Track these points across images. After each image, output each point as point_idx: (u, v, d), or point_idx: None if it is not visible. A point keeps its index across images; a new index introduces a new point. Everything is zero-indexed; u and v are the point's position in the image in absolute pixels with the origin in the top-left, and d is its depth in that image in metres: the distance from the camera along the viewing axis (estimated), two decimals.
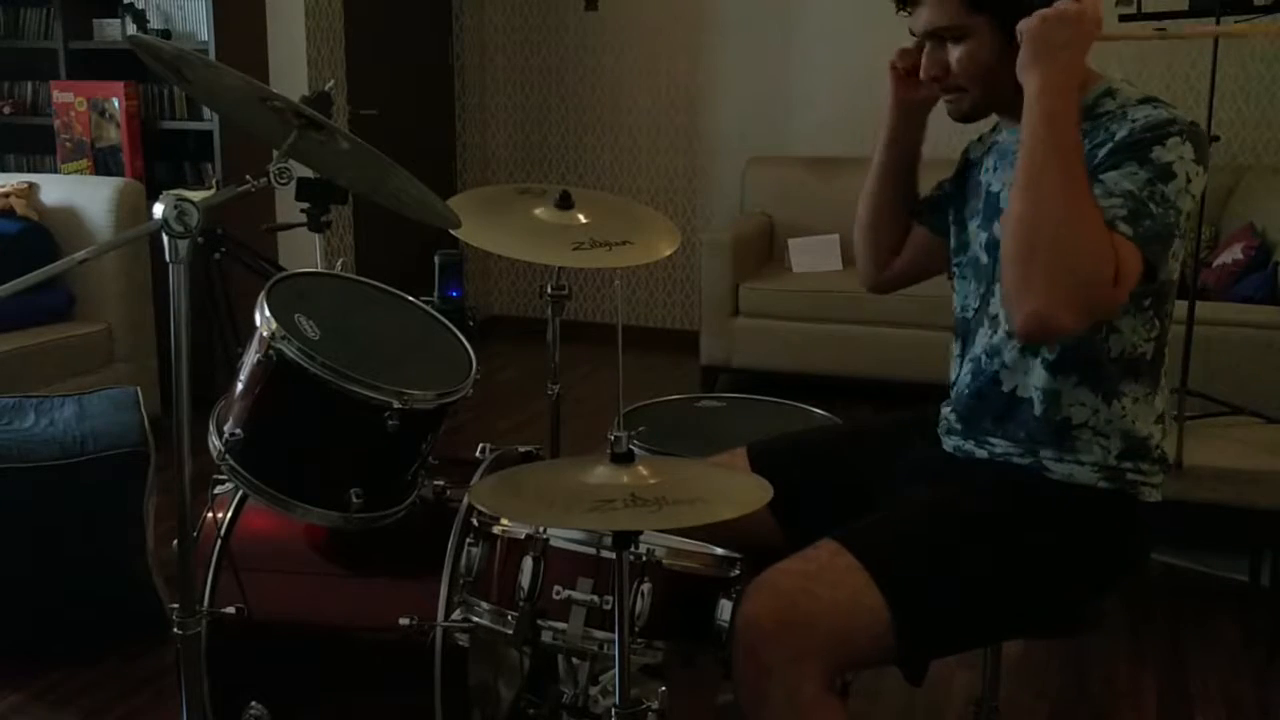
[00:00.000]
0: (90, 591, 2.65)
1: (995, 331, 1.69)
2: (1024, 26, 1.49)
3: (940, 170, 1.89)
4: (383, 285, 1.97)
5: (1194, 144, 1.48)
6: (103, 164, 4.45)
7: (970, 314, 1.74)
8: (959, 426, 1.73)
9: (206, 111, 4.47)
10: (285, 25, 4.70)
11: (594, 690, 1.69)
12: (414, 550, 1.88)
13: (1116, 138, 1.50)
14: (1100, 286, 1.41)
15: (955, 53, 1.60)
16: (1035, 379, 1.62)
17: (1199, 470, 2.90)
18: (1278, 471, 2.93)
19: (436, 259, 2.31)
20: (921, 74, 1.65)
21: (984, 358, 1.70)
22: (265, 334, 1.69)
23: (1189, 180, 1.47)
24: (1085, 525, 1.60)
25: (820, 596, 1.50)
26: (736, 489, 1.50)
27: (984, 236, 1.72)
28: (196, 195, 1.45)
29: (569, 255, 2.03)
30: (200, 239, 1.48)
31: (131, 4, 4.53)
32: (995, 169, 1.72)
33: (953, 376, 1.78)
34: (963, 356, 1.76)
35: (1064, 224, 1.41)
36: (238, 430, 1.73)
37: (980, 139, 1.82)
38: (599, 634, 1.55)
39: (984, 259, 1.71)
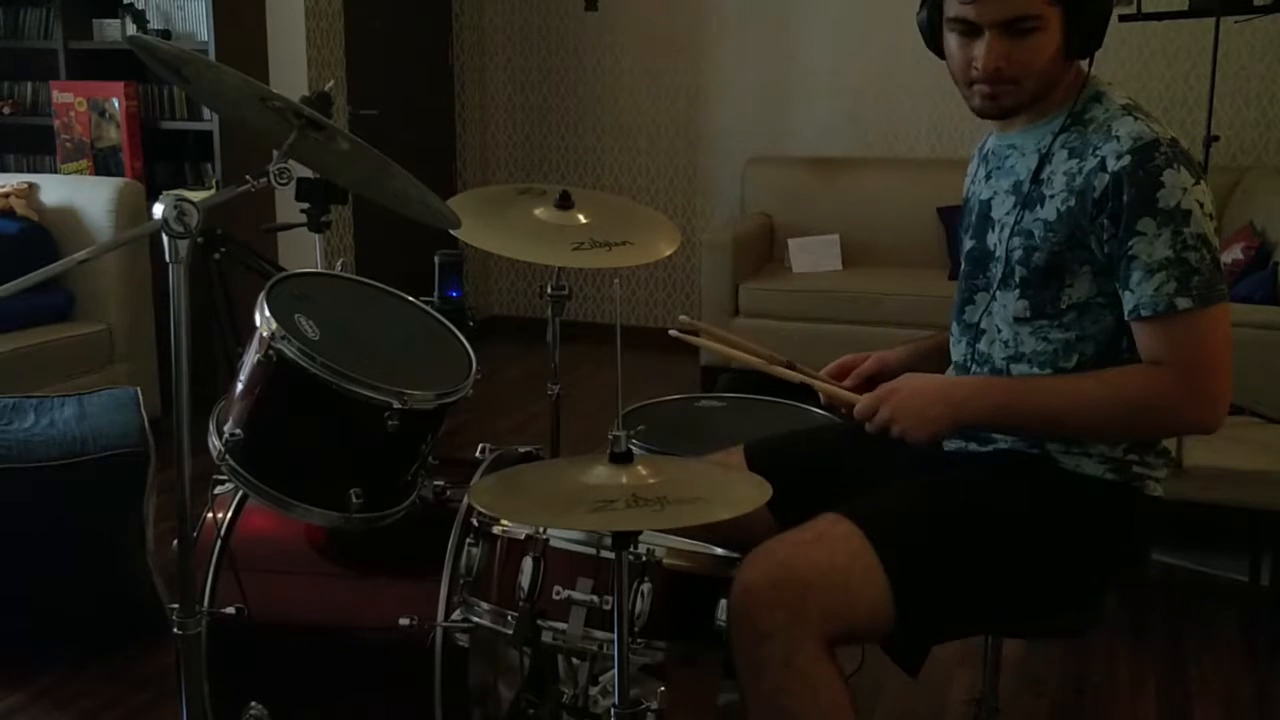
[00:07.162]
0: (90, 592, 2.65)
1: (977, 340, 1.69)
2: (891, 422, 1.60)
3: (951, 169, 1.88)
4: (383, 285, 1.97)
5: (1184, 164, 1.51)
6: (103, 164, 4.45)
7: (955, 320, 1.75)
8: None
9: (206, 111, 4.46)
10: (285, 25, 4.69)
11: (594, 690, 1.69)
12: (414, 550, 1.88)
13: (1110, 171, 1.51)
14: (1172, 421, 1.57)
15: (1023, 45, 1.54)
16: None
17: (1199, 470, 2.90)
18: (1278, 471, 2.93)
19: (436, 259, 2.30)
20: (981, 66, 1.56)
21: (974, 368, 1.71)
22: (265, 334, 1.69)
23: (1201, 205, 1.50)
24: (1089, 515, 1.61)
25: (817, 560, 1.49)
26: (736, 488, 1.50)
27: (970, 245, 1.72)
28: (196, 195, 1.45)
29: (569, 255, 2.03)
30: (200, 239, 1.48)
31: (131, 4, 4.53)
32: (988, 177, 1.72)
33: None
34: (959, 365, 1.76)
35: (1113, 431, 1.58)
36: (238, 430, 1.73)
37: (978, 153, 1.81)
38: (599, 634, 1.55)
39: (965, 267, 1.72)
